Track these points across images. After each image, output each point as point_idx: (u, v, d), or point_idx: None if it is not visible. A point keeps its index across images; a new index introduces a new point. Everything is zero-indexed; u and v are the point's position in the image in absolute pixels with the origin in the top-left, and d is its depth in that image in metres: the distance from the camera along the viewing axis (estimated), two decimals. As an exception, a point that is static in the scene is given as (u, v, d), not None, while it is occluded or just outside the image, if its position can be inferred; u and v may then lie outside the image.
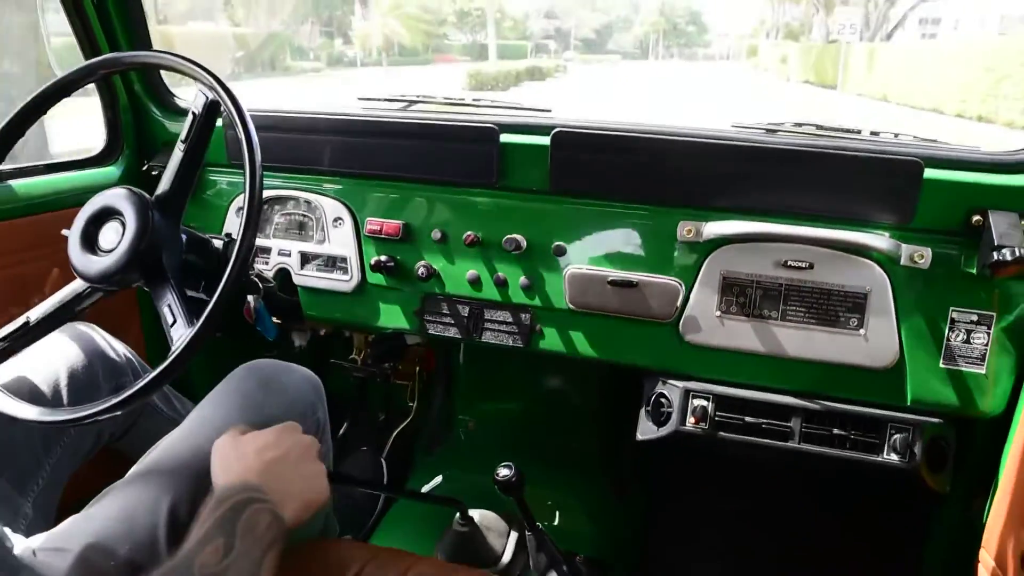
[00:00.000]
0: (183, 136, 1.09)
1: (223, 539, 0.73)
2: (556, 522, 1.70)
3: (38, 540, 0.92)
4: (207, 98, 1.08)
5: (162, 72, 1.62)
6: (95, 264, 1.08)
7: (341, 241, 1.47)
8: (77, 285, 1.12)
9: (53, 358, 1.20)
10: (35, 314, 1.10)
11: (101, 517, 0.92)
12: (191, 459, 0.99)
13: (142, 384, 0.95)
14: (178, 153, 1.10)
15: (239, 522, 0.76)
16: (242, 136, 1.02)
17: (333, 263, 1.49)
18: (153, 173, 1.55)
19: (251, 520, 0.77)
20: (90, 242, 1.10)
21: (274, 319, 1.46)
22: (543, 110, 1.45)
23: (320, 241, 1.49)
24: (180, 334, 0.99)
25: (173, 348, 0.97)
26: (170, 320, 1.02)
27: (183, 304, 1.03)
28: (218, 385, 1.13)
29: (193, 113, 1.09)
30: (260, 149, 1.02)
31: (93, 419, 0.97)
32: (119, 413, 0.97)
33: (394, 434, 1.91)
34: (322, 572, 1.02)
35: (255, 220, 1.00)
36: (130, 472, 1.01)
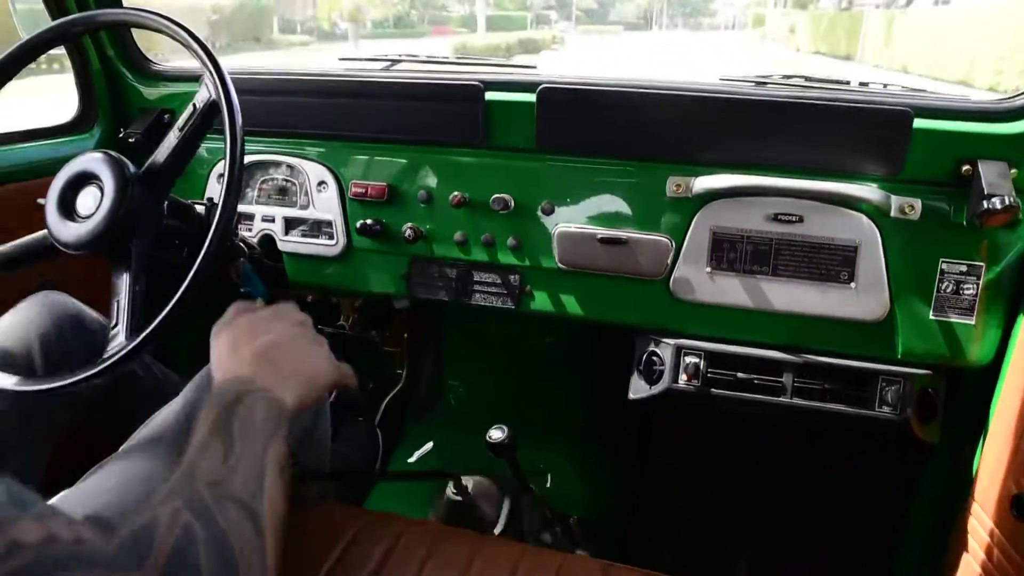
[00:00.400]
0: (180, 124, 1.06)
1: (220, 441, 0.68)
2: (548, 484, 1.71)
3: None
4: (210, 95, 1.04)
5: (135, 35, 1.58)
6: (72, 230, 1.06)
7: (325, 205, 1.44)
8: (40, 236, 1.10)
9: (25, 327, 1.17)
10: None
11: (95, 490, 0.90)
12: (182, 431, 0.97)
13: (124, 351, 0.94)
14: (172, 138, 1.07)
15: (234, 419, 0.71)
16: (222, 99, 0.99)
17: (318, 228, 1.46)
18: (130, 140, 1.51)
19: (246, 414, 0.72)
20: (67, 208, 1.08)
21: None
22: (528, 67, 1.43)
23: (304, 206, 1.46)
24: (118, 342, 0.97)
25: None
26: (112, 317, 1.00)
27: (131, 302, 1.01)
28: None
29: (195, 106, 1.06)
30: (240, 112, 0.99)
31: (72, 387, 0.95)
32: (98, 382, 0.96)
33: (385, 401, 1.91)
34: (318, 537, 1.02)
35: (237, 181, 0.99)
36: (125, 445, 0.99)
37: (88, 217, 1.06)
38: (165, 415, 1.04)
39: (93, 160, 1.08)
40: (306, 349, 0.87)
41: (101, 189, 1.07)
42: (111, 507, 0.87)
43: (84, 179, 1.09)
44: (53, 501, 0.92)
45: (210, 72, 1.01)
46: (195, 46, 1.02)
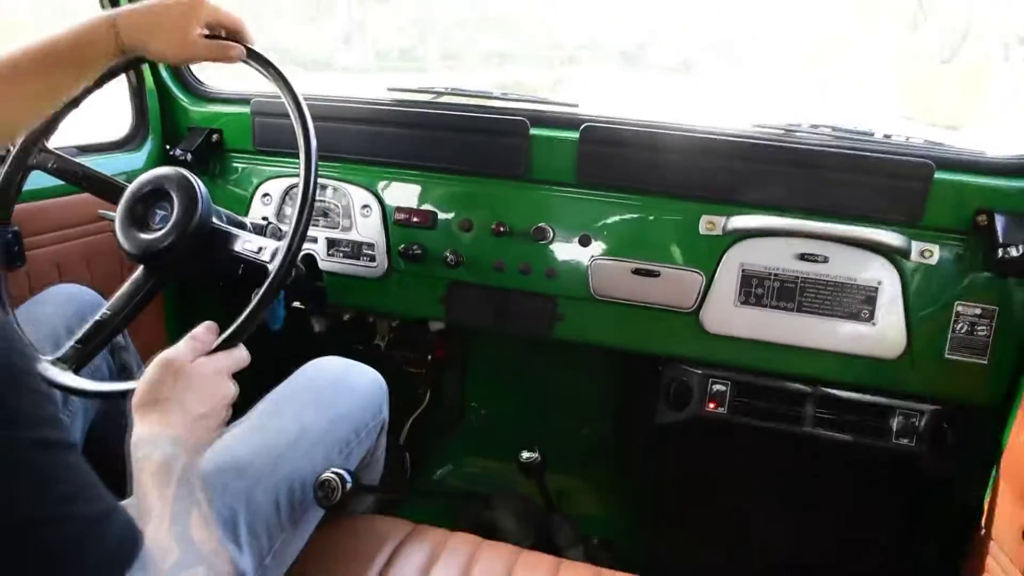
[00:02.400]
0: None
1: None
2: (570, 506, 1.76)
3: None
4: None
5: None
6: (138, 240, 1.10)
7: (368, 228, 1.50)
8: (137, 275, 1.14)
9: (50, 319, 1.20)
10: (106, 312, 1.11)
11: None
12: (264, 448, 1.01)
13: None
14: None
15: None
16: (300, 131, 1.03)
17: (359, 249, 1.52)
18: (180, 158, 1.57)
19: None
20: (136, 219, 1.13)
21: (297, 304, 1.49)
22: (571, 104, 1.50)
23: (347, 228, 1.52)
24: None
25: (231, 328, 0.98)
26: None
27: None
28: (285, 381, 1.15)
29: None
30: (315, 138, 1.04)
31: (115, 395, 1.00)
32: None
33: (409, 421, 1.95)
34: (369, 545, 1.07)
35: (309, 208, 1.02)
36: None
37: (156, 231, 1.12)
38: (235, 435, 1.04)
39: (167, 178, 1.13)
40: (192, 396, 0.87)
41: (171, 206, 1.13)
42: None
43: (155, 194, 1.14)
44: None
45: (291, 106, 1.05)
46: (274, 76, 1.08)
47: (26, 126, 1.04)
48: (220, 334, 0.94)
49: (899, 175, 1.25)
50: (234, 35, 1.09)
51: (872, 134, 1.36)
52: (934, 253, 1.24)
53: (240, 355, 0.95)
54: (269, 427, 1.06)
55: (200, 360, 0.90)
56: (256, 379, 1.19)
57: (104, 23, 1.00)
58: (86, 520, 0.58)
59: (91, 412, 1.22)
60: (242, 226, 1.23)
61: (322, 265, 1.55)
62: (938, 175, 1.23)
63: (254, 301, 0.99)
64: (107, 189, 1.21)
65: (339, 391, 1.15)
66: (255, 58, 1.09)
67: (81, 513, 0.57)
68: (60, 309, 1.23)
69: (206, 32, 1.06)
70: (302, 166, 1.03)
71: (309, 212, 1.02)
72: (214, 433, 0.88)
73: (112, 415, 1.29)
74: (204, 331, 0.94)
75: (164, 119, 1.66)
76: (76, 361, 1.07)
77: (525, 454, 1.39)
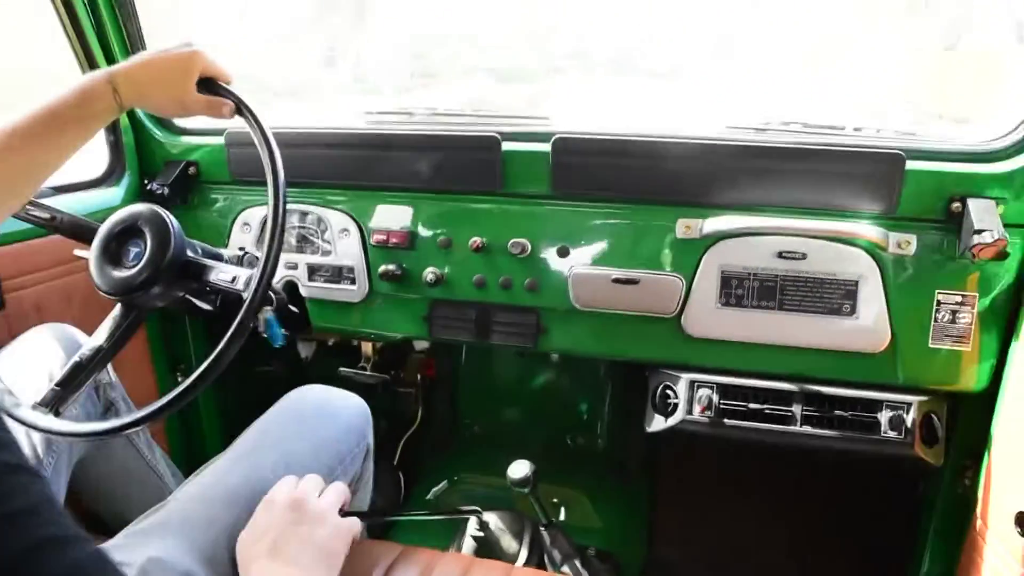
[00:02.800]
0: None
1: None
2: (565, 517, 1.75)
3: None
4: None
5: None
6: (112, 276, 1.12)
7: (347, 252, 1.50)
8: (115, 312, 1.15)
9: (33, 361, 1.20)
10: (84, 351, 1.12)
11: (158, 532, 0.93)
12: (247, 478, 1.01)
13: (174, 395, 0.98)
14: None
15: None
16: (267, 160, 1.05)
17: (340, 273, 1.52)
18: (157, 192, 1.57)
19: None
20: (111, 255, 1.14)
21: (283, 331, 1.49)
22: (541, 118, 1.50)
23: (327, 252, 1.52)
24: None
25: (203, 364, 0.99)
26: None
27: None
28: (271, 409, 1.16)
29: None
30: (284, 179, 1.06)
31: (121, 432, 1.02)
32: (136, 428, 1.01)
33: (402, 441, 1.95)
34: (358, 570, 1.06)
35: (278, 239, 1.03)
36: (178, 492, 1.02)
37: (131, 267, 1.12)
38: (219, 466, 1.06)
39: (139, 215, 1.14)
40: (321, 539, 0.93)
41: (144, 242, 1.13)
42: (175, 550, 0.89)
43: (128, 232, 1.15)
44: (115, 540, 0.94)
45: (258, 138, 1.06)
46: (242, 107, 1.09)
47: (34, 189, 1.05)
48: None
49: (871, 167, 1.25)
50: (224, 83, 1.12)
51: (843, 128, 1.36)
52: (911, 243, 1.24)
53: (342, 487, 1.02)
54: (253, 457, 1.06)
55: (318, 499, 0.96)
56: (245, 407, 1.19)
57: (102, 82, 1.02)
58: (42, 537, 0.56)
59: (76, 453, 1.22)
60: (218, 257, 1.23)
61: (304, 291, 1.55)
62: (910, 165, 1.23)
63: (231, 330, 0.99)
64: (80, 230, 1.22)
65: (322, 418, 1.15)
66: (240, 112, 1.11)
67: (36, 530, 0.56)
68: (42, 350, 1.23)
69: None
70: (270, 194, 1.04)
71: (279, 240, 1.03)
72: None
73: (97, 456, 1.29)
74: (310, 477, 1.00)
75: (140, 154, 1.66)
76: (56, 403, 1.08)
77: (517, 468, 1.38)
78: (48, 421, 1.03)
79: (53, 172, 1.03)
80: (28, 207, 1.18)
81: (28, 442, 1.11)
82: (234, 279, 1.10)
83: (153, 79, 1.06)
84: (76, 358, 1.11)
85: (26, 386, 1.14)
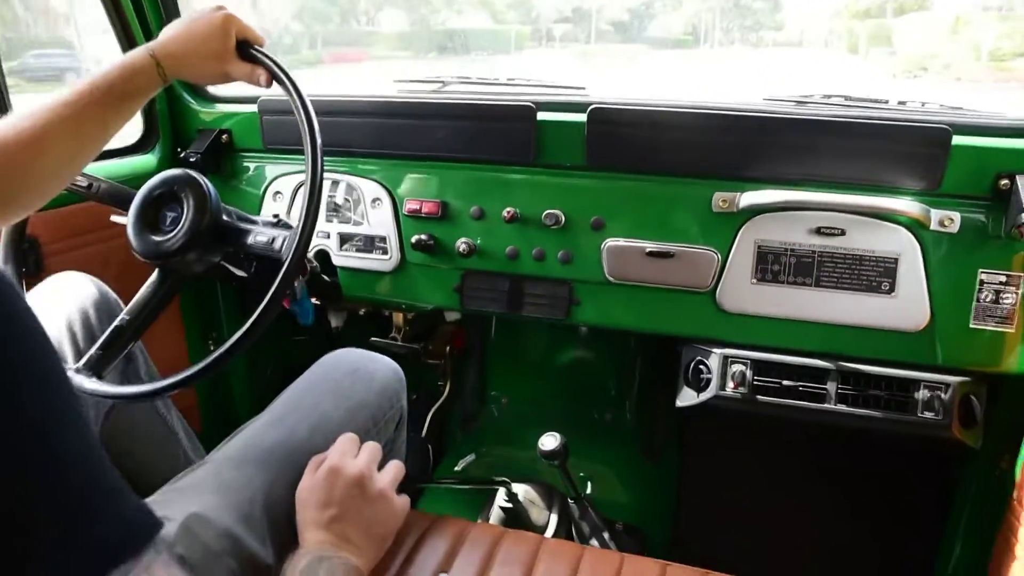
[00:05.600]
0: None
1: None
2: (592, 491, 1.75)
3: None
4: None
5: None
6: (151, 242, 1.13)
7: (380, 221, 1.50)
8: (153, 278, 1.16)
9: (50, 311, 1.20)
10: (124, 316, 1.13)
11: (195, 491, 0.93)
12: (285, 439, 1.02)
13: (201, 366, 0.99)
14: None
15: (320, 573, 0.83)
16: (305, 126, 1.05)
17: (372, 243, 1.52)
18: (190, 160, 1.58)
19: (330, 572, 0.84)
20: (148, 221, 1.15)
21: (314, 300, 1.50)
22: (577, 88, 1.48)
23: (358, 222, 1.52)
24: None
25: (241, 329, 0.99)
26: None
27: None
28: (305, 372, 1.16)
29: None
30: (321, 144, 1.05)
31: (147, 397, 1.06)
32: (172, 392, 1.02)
33: (431, 413, 1.96)
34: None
35: (316, 205, 1.03)
36: (213, 454, 1.02)
37: (168, 232, 1.13)
38: (255, 428, 1.06)
39: (175, 179, 1.15)
40: (379, 519, 0.97)
41: (181, 207, 1.14)
42: (213, 507, 0.90)
43: (165, 197, 1.15)
44: (154, 497, 0.94)
45: (294, 100, 1.06)
46: (279, 72, 1.08)
47: (84, 164, 1.05)
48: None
49: (915, 142, 1.22)
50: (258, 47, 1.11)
51: (886, 101, 1.33)
52: (955, 221, 1.21)
53: (401, 465, 1.06)
54: (288, 419, 1.07)
55: (379, 476, 0.99)
56: (277, 375, 1.20)
57: (145, 56, 1.03)
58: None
59: (100, 416, 1.24)
60: (253, 223, 1.24)
61: (335, 260, 1.55)
62: (956, 140, 1.20)
63: (272, 289, 0.99)
64: (117, 197, 1.23)
65: (356, 381, 1.15)
66: (278, 79, 1.09)
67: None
68: (62, 303, 1.23)
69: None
70: (308, 154, 1.04)
71: (317, 202, 1.03)
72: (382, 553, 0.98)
73: (118, 417, 1.30)
74: (369, 446, 1.02)
75: (173, 122, 1.67)
76: (98, 367, 1.09)
77: (547, 440, 1.38)
78: (93, 384, 1.05)
79: (100, 147, 1.03)
80: None
81: None
82: (272, 240, 1.11)
83: (194, 50, 1.06)
84: (117, 322, 1.12)
85: (59, 343, 1.16)
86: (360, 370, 1.17)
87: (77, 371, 1.07)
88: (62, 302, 1.22)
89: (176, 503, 0.90)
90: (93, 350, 1.09)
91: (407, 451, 1.80)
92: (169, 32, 1.07)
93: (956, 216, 1.21)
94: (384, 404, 1.15)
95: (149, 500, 0.94)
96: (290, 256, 1.01)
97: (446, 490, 1.72)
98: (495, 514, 1.50)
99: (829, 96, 1.35)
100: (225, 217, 1.17)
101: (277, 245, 1.09)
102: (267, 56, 1.10)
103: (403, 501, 1.02)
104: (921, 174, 1.23)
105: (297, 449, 1.00)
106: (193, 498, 0.91)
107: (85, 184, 1.24)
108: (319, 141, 1.05)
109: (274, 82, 1.10)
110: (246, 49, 1.10)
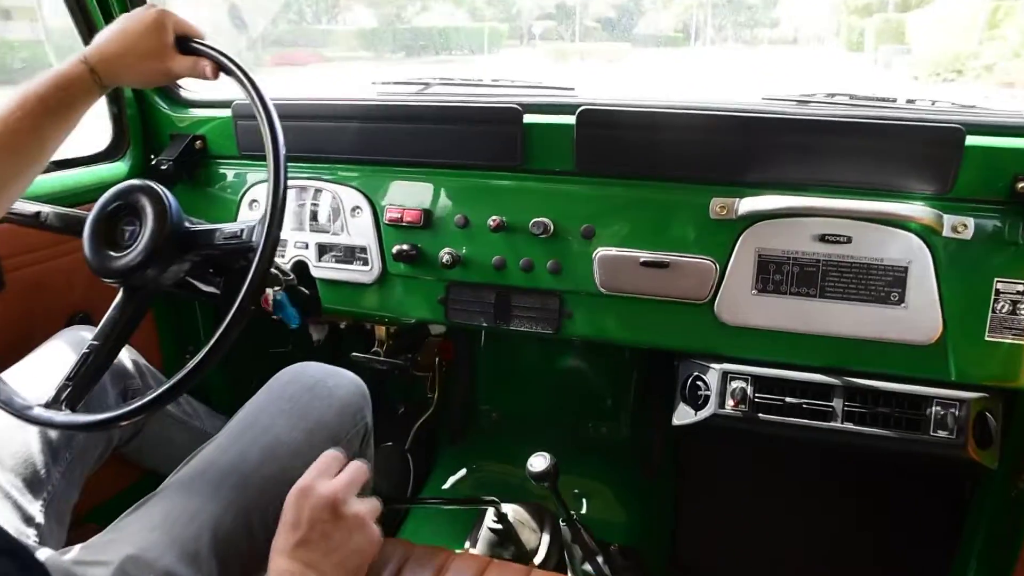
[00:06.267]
0: None
1: None
2: (586, 511, 1.68)
3: (72, 552, 0.89)
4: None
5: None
6: (108, 259, 1.05)
7: (360, 231, 1.43)
8: (118, 299, 1.09)
9: (55, 362, 1.17)
10: (92, 342, 1.07)
11: (139, 528, 0.89)
12: (235, 466, 0.96)
13: (167, 386, 0.92)
14: None
15: None
16: (265, 127, 0.99)
17: (352, 253, 1.45)
18: (162, 167, 1.50)
19: None
20: (106, 237, 1.07)
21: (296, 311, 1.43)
22: (566, 88, 1.41)
23: (337, 232, 1.45)
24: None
25: (202, 350, 0.92)
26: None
27: None
28: (261, 389, 1.11)
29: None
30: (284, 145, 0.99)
31: (110, 424, 0.95)
32: (140, 417, 0.95)
33: (415, 426, 1.89)
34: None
35: (279, 213, 0.96)
36: (167, 481, 0.98)
37: (128, 248, 1.06)
38: (207, 453, 1.02)
39: (134, 190, 1.07)
40: (351, 547, 0.86)
41: (139, 220, 1.07)
42: (154, 547, 0.86)
43: (124, 209, 1.08)
44: (97, 538, 0.90)
45: (254, 101, 1.00)
46: (239, 75, 1.02)
47: (27, 182, 0.99)
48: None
49: (926, 142, 1.14)
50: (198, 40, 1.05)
51: (894, 100, 1.25)
52: (968, 226, 1.13)
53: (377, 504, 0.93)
54: (240, 442, 1.01)
55: (356, 501, 0.88)
56: (255, 391, 1.13)
57: (77, 64, 0.97)
58: None
59: (127, 434, 1.25)
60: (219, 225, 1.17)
61: (314, 272, 1.48)
62: (970, 140, 1.12)
63: (247, 280, 0.93)
64: (69, 224, 1.16)
65: (314, 398, 1.08)
66: (225, 69, 1.05)
67: None
68: (59, 354, 1.21)
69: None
70: (263, 123, 1.00)
71: (284, 180, 0.98)
72: None
73: (149, 430, 1.33)
74: (353, 467, 0.92)
75: (144, 128, 1.59)
76: (70, 399, 1.02)
77: (536, 461, 1.31)
78: (63, 417, 0.98)
79: (43, 162, 0.98)
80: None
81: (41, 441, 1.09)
82: (241, 231, 1.03)
83: (130, 50, 1.00)
84: (85, 349, 1.06)
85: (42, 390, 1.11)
86: (318, 386, 1.10)
87: (47, 406, 1.00)
88: (60, 357, 1.19)
89: (116, 543, 0.86)
90: (60, 381, 1.03)
91: (386, 467, 1.73)
92: (102, 36, 1.01)
93: (970, 221, 1.13)
94: (346, 422, 1.08)
95: (90, 543, 0.89)
96: (263, 238, 0.95)
97: (434, 510, 1.65)
98: (484, 536, 1.43)
99: (832, 95, 1.27)
100: (188, 224, 1.09)
101: (246, 235, 1.02)
102: (208, 46, 1.04)
103: (378, 533, 0.92)
104: (932, 177, 1.15)
105: (248, 476, 0.94)
106: (136, 536, 0.87)
107: (32, 212, 1.18)
108: (272, 109, 1.00)
109: (222, 73, 1.05)
110: (186, 43, 1.04)
